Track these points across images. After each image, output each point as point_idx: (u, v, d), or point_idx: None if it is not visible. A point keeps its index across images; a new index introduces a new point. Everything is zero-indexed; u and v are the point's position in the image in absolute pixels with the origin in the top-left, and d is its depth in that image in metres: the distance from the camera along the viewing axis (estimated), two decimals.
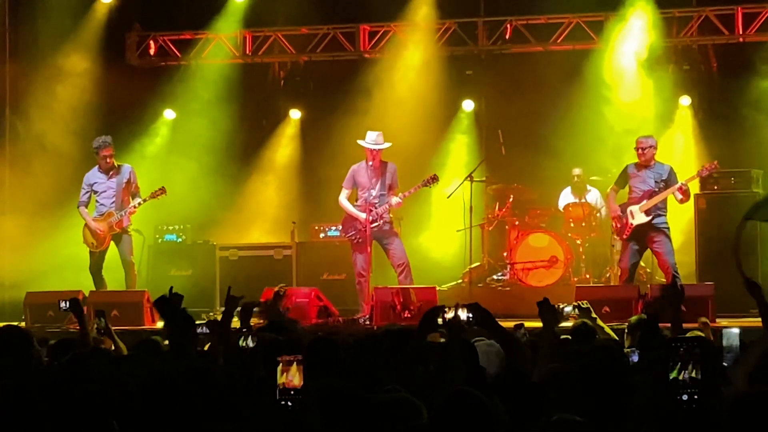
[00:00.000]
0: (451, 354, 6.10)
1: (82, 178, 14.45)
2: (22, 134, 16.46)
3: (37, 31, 16.31)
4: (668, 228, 13.34)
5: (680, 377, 4.46)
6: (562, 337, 7.77)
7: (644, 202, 13.18)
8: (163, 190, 14.25)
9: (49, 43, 16.25)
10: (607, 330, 8.57)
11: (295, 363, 4.81)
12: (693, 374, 4.44)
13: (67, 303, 8.72)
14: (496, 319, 6.72)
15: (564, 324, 8.95)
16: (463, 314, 6.37)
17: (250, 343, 7.19)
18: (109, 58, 16.66)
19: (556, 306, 10.81)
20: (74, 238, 14.78)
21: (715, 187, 14.41)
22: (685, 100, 16.04)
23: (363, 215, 13.62)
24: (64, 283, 14.20)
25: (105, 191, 14.24)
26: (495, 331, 6.59)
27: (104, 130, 15.14)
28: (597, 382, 5.57)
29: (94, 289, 13.92)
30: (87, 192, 14.32)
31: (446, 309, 6.46)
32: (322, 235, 15.89)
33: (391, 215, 13.81)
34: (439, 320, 6.63)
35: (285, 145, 17.42)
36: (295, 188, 17.13)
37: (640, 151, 13.37)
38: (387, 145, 13.74)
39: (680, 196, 13.25)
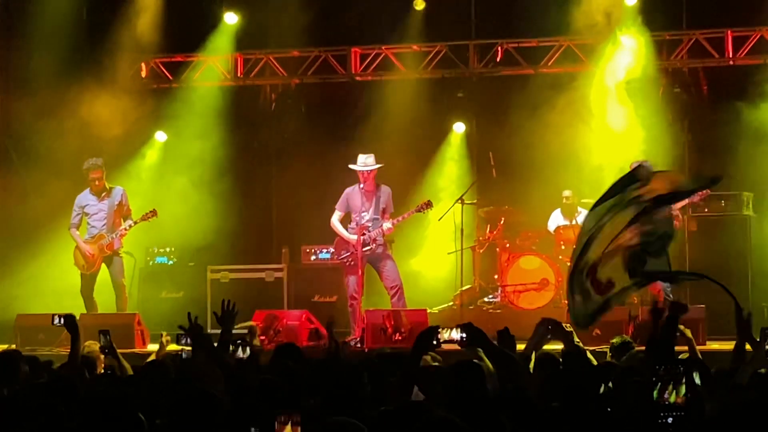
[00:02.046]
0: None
1: (74, 199, 14.44)
2: (13, 157, 16.44)
3: (29, 53, 16.29)
4: None
5: (662, 399, 4.43)
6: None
7: None
8: (154, 213, 14.25)
9: (40, 66, 16.22)
10: (588, 355, 8.58)
11: (290, 423, 4.67)
12: (674, 397, 4.41)
13: (61, 319, 8.49)
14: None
15: (550, 346, 8.97)
16: (457, 334, 6.42)
17: (243, 354, 7.28)
18: (101, 81, 16.64)
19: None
20: (65, 262, 14.76)
21: (706, 210, 14.44)
22: (676, 123, 16.07)
23: (355, 238, 13.64)
24: (53, 306, 14.14)
25: (96, 213, 14.26)
26: (489, 350, 6.62)
27: (95, 152, 15.15)
28: None
29: (84, 311, 13.89)
30: (78, 214, 14.34)
31: (440, 329, 6.51)
32: (313, 257, 15.86)
33: (384, 238, 13.83)
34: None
35: (276, 166, 17.42)
36: (287, 210, 17.11)
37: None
38: (377, 165, 13.76)
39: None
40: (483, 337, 6.55)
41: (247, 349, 7.70)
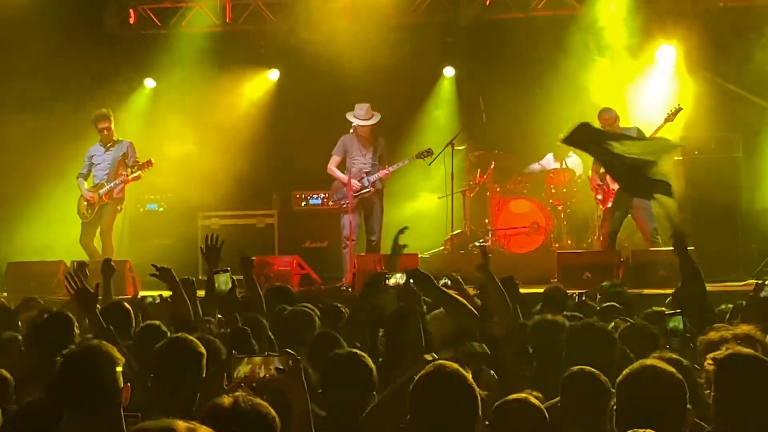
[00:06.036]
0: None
1: (62, 150, 14.52)
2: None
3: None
4: None
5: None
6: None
7: None
8: (149, 163, 14.25)
9: (27, 12, 16.07)
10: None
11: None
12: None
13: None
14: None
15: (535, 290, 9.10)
16: (403, 279, 6.59)
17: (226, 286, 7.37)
18: (89, 27, 16.54)
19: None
20: (55, 211, 14.76)
21: (696, 152, 14.43)
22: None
23: (353, 181, 13.75)
24: (47, 252, 14.21)
25: (100, 163, 14.46)
26: (434, 294, 6.79)
27: (84, 99, 15.13)
28: None
29: (75, 260, 13.87)
30: (87, 164, 14.51)
31: (388, 275, 6.71)
32: (303, 203, 15.89)
33: (380, 183, 14.00)
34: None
35: (266, 113, 17.38)
36: (277, 156, 17.09)
37: (609, 124, 13.55)
38: (376, 119, 13.82)
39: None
40: (429, 281, 6.70)
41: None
